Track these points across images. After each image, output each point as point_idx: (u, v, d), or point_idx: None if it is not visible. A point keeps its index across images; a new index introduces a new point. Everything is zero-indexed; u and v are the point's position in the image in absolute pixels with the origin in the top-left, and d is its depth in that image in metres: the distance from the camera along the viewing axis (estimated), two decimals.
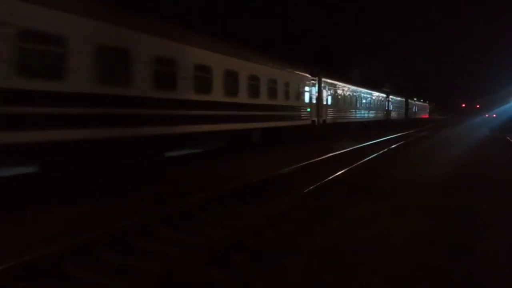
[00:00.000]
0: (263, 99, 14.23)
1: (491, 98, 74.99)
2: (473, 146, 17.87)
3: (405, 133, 27.83)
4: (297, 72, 17.28)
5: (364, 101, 29.30)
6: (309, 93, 18.58)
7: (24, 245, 4.51)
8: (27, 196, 6.65)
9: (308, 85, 18.49)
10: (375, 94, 33.26)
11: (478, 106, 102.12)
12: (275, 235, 5.09)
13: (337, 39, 68.83)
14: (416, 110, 54.98)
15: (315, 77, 19.21)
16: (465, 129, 36.71)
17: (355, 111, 26.88)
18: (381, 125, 34.84)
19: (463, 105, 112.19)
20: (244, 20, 50.06)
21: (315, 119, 19.30)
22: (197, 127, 10.60)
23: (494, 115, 61.95)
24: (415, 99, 55.43)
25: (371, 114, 31.79)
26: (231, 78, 12.25)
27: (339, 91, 23.31)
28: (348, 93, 25.12)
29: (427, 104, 69.46)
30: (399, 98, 43.76)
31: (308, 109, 18.41)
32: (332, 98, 21.99)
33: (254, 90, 13.62)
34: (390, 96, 38.85)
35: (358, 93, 27.60)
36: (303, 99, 17.91)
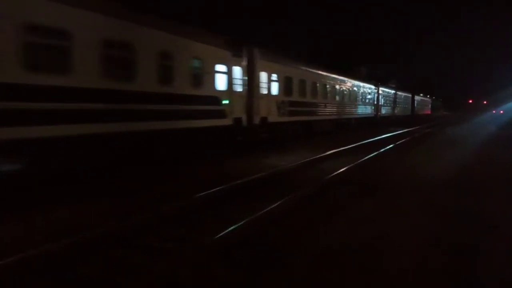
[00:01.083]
0: (99, 81, 7.65)
1: (498, 95, 70.49)
2: (480, 145, 16.43)
3: (402, 131, 21.20)
4: (195, 38, 10.54)
5: (340, 93, 22.41)
6: (228, 76, 11.90)
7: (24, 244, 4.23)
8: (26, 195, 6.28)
9: (226, 63, 11.77)
10: (359, 84, 26.25)
11: (485, 102, 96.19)
12: None
13: (340, 39, 63.12)
14: (416, 105, 48.11)
15: (239, 50, 12.48)
16: (471, 126, 32.54)
17: (324, 105, 19.96)
18: (370, 123, 28.30)
19: (470, 101, 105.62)
20: (244, 20, 44.61)
21: (242, 116, 12.64)
22: None
23: (501, 112, 60.76)
24: (421, 94, 49.61)
25: (353, 110, 24.89)
26: None
27: (296, 77, 16.45)
28: (312, 80, 18.24)
29: (429, 99, 62.35)
30: (392, 91, 36.95)
31: (226, 101, 11.74)
32: (282, 86, 15.30)
33: (74, 61, 7.08)
34: (381, 89, 31.91)
35: (330, 82, 20.58)
36: (212, 85, 11.22)
